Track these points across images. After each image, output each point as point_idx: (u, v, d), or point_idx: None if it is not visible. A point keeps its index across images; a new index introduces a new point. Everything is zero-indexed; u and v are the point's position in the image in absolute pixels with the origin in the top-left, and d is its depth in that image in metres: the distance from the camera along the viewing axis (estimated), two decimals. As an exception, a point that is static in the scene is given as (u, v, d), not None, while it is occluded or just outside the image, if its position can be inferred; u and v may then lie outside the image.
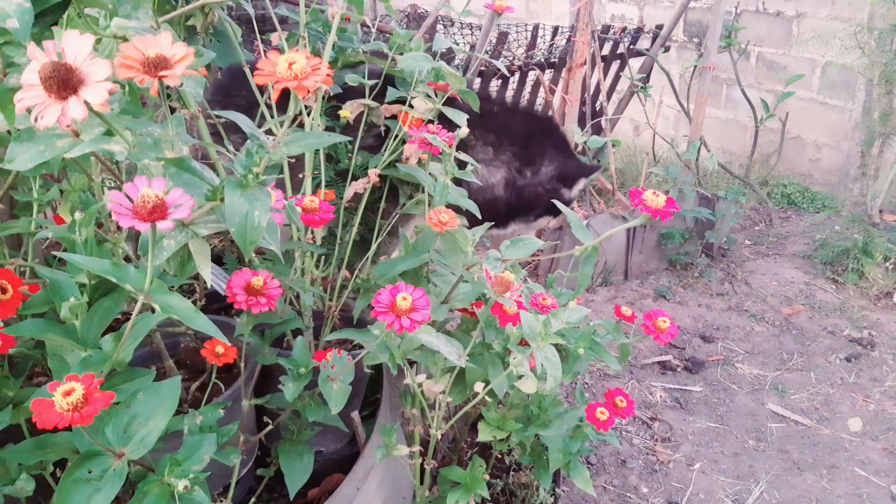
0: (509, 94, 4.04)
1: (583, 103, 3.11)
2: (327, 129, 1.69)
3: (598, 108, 4.24)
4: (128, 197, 0.73)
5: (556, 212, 2.18)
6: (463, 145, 2.08)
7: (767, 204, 4.03)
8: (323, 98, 1.66)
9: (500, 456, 1.98)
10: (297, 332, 1.43)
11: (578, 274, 1.18)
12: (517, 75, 3.96)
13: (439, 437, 1.33)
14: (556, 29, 4.55)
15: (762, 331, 2.93)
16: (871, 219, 3.18)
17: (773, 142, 4.35)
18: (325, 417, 1.23)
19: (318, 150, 1.63)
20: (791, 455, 2.26)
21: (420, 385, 1.26)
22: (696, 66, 3.32)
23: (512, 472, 1.96)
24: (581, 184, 2.18)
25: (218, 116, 1.45)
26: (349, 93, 1.61)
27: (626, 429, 2.37)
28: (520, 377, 1.25)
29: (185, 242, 0.85)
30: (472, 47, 3.85)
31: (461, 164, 1.53)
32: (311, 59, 0.70)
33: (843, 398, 2.54)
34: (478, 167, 1.72)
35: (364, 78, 1.61)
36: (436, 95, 1.53)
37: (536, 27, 4.24)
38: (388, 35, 2.83)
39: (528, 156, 2.15)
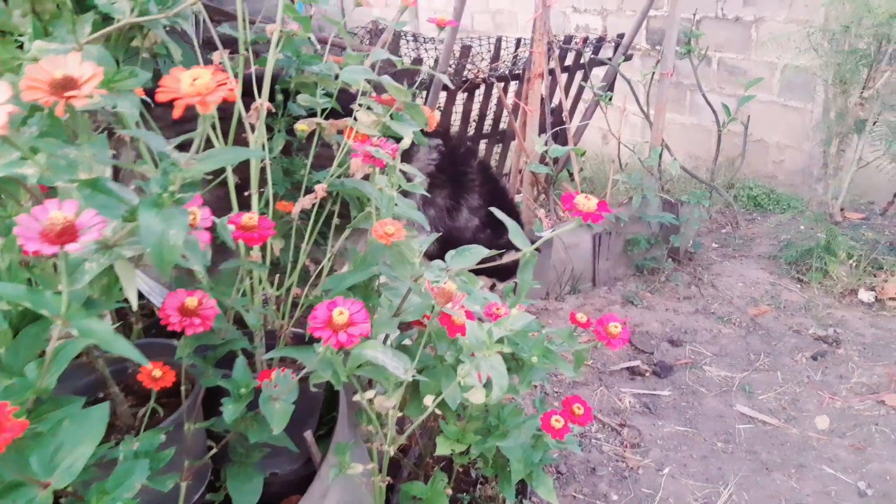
0: (476, 105, 4.07)
1: (543, 114, 3.13)
2: (287, 144, 1.68)
3: (563, 118, 4.28)
4: (37, 220, 0.71)
5: (491, 274, 2.41)
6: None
7: (733, 207, 4.07)
8: (283, 115, 1.66)
9: (465, 469, 1.96)
10: (249, 353, 1.41)
11: (518, 281, 1.17)
12: (482, 88, 3.99)
13: (391, 453, 1.32)
14: (518, 41, 4.59)
15: (729, 332, 2.95)
16: (833, 217, 3.22)
17: (737, 145, 4.40)
18: (272, 438, 1.22)
19: (275, 165, 1.62)
20: (759, 455, 2.27)
21: (370, 401, 1.25)
22: (653, 74, 3.35)
23: (479, 486, 1.94)
24: (513, 254, 2.35)
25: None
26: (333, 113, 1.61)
27: (595, 436, 2.37)
28: (469, 388, 1.23)
29: (108, 265, 0.83)
30: (437, 61, 3.86)
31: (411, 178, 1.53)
32: (218, 75, 0.69)
33: (809, 397, 2.56)
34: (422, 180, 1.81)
35: (318, 96, 1.61)
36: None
37: (499, 39, 4.27)
38: (343, 48, 2.82)
39: (485, 213, 2.33)
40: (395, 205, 1.46)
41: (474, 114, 4.13)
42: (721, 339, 2.92)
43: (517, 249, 2.44)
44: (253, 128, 1.40)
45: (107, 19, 1.46)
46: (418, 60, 4.06)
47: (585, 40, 4.40)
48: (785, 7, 4.42)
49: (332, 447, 1.40)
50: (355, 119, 1.52)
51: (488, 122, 4.21)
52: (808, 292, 3.20)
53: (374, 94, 1.59)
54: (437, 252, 2.43)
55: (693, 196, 3.17)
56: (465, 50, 4.04)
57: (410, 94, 1.55)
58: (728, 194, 4.19)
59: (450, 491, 1.71)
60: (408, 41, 4.44)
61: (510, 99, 3.69)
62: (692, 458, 2.27)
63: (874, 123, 2.98)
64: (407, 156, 2.31)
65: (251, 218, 1.16)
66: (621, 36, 4.13)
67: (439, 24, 1.59)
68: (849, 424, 2.40)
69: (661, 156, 3.18)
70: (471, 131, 4.17)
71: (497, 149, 4.34)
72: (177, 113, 0.67)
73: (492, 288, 2.60)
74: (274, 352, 1.14)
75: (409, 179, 1.52)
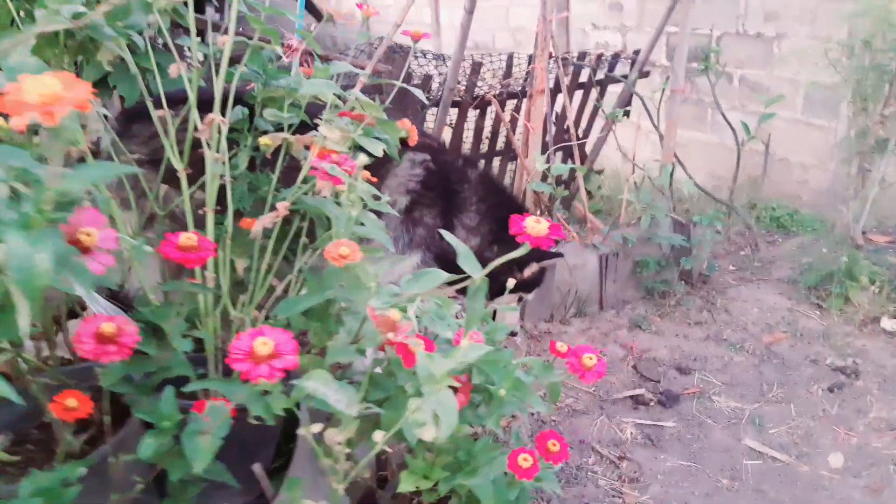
0: (488, 122, 3.99)
1: (545, 130, 3.03)
2: (252, 160, 1.62)
3: (578, 135, 4.18)
4: None
5: (514, 290, 2.28)
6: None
7: (752, 228, 3.91)
8: (250, 131, 1.60)
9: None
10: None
11: (467, 308, 1.08)
12: (494, 105, 3.91)
13: (340, 491, 1.22)
14: (530, 57, 4.51)
15: (741, 361, 2.81)
16: (855, 241, 3.06)
17: (760, 164, 4.26)
18: (209, 472, 1.14)
19: (241, 181, 1.56)
20: (767, 495, 2.13)
21: (314, 434, 1.16)
22: (663, 90, 3.24)
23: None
24: (534, 267, 2.34)
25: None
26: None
27: (592, 468, 2.25)
28: (422, 424, 1.14)
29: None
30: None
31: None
32: (72, 84, 0.62)
33: (824, 432, 2.40)
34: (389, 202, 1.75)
35: (284, 111, 1.54)
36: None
37: (511, 56, 4.20)
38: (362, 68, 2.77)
39: (488, 230, 2.28)
40: (362, 224, 1.38)
41: (487, 131, 4.06)
42: (732, 367, 2.77)
43: (538, 261, 2.37)
44: (210, 144, 1.34)
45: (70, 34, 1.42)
46: (428, 77, 4.00)
47: (600, 57, 4.31)
48: (807, 23, 4.28)
49: (287, 482, 1.31)
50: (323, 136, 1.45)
51: (502, 139, 4.13)
52: (828, 319, 3.04)
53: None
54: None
55: (706, 217, 3.04)
56: (476, 66, 3.97)
57: (381, 109, 1.48)
58: (748, 215, 4.04)
59: (418, 529, 1.62)
60: (416, 57, 4.39)
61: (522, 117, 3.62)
62: (694, 495, 2.13)
63: (897, 142, 2.84)
64: (382, 172, 2.22)
65: (189, 238, 1.09)
66: (638, 52, 4.03)
67: (414, 38, 1.52)
68: (865, 463, 2.24)
69: (672, 174, 3.06)
70: (484, 148, 4.10)
71: (511, 166, 4.25)
72: (18, 124, 0.59)
73: (519, 300, 2.52)
74: (199, 383, 1.06)
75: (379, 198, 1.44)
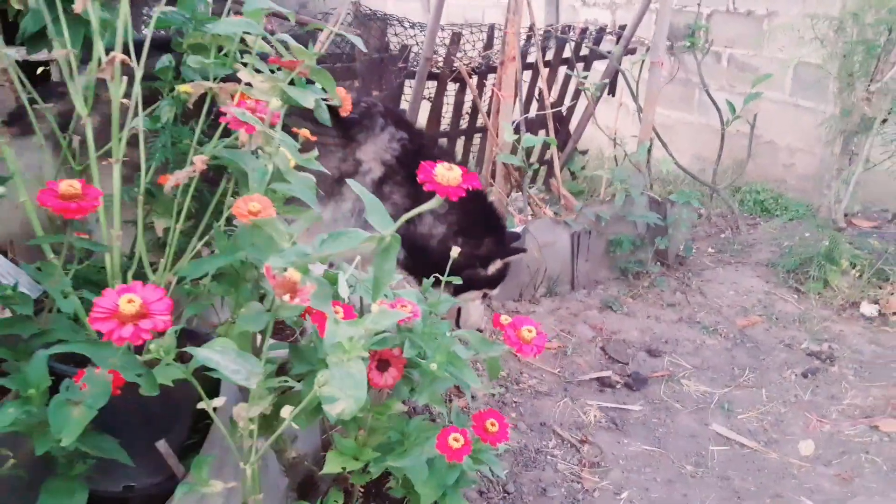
0: (467, 98, 3.85)
1: (517, 99, 2.90)
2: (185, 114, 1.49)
3: (563, 113, 4.05)
4: None
5: (476, 286, 2.30)
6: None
7: (735, 211, 3.80)
8: (176, 79, 1.47)
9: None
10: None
11: (373, 270, 0.96)
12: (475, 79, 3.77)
13: (249, 473, 1.12)
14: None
15: (713, 344, 2.71)
16: (836, 223, 2.96)
17: (746, 147, 4.14)
18: (102, 450, 1.02)
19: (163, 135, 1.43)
20: (732, 482, 2.03)
21: (215, 409, 1.05)
22: (642, 62, 3.11)
23: (405, 505, 1.73)
24: (498, 263, 2.30)
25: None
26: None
27: (551, 452, 2.15)
28: (333, 400, 1.03)
29: None
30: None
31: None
32: None
33: (795, 418, 2.31)
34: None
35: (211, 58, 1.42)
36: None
37: (492, 27, 4.05)
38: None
39: (455, 219, 2.23)
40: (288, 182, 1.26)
41: (468, 106, 3.92)
42: (704, 350, 2.68)
43: (501, 258, 2.31)
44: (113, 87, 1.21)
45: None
46: (405, 47, 3.86)
47: (584, 31, 4.17)
48: (799, 1, 4.14)
49: (194, 461, 1.20)
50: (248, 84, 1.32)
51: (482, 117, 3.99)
52: (805, 303, 2.94)
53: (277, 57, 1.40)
54: (403, 260, 2.25)
55: (682, 195, 2.92)
56: (455, 37, 3.83)
57: (313, 56, 1.36)
58: (731, 198, 3.93)
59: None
60: (391, 25, 4.23)
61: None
62: (656, 481, 2.04)
63: (884, 121, 2.72)
64: (362, 136, 2.12)
65: (72, 186, 0.97)
66: (624, 28, 3.90)
67: None
68: (836, 451, 2.15)
69: (650, 151, 2.94)
70: (464, 125, 3.96)
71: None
72: None
73: (484, 297, 2.44)
74: (63, 345, 0.94)
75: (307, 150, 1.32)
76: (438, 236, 2.22)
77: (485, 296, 2.42)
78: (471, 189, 2.33)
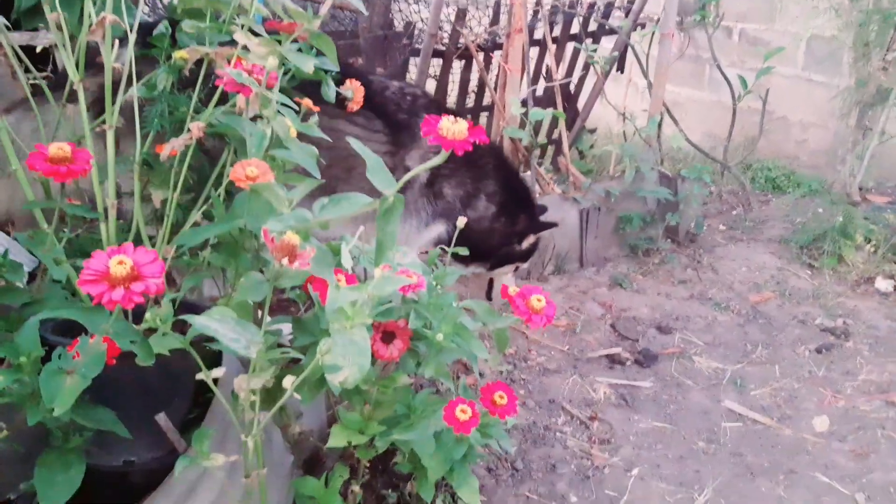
0: (474, 75, 3.79)
1: (524, 72, 2.85)
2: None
3: (570, 91, 3.99)
4: None
5: (511, 261, 2.35)
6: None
7: (746, 187, 3.74)
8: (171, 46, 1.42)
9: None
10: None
11: (378, 230, 0.92)
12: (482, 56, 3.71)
13: (250, 444, 1.09)
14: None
15: (725, 320, 2.67)
16: (851, 197, 2.90)
17: (758, 123, 4.07)
18: (99, 422, 1.00)
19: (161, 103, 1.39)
20: (745, 458, 2.00)
21: (216, 382, 1.02)
22: (653, 34, 3.04)
23: (412, 481, 1.70)
24: (531, 238, 2.34)
25: None
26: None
27: (561, 429, 2.12)
28: (337, 369, 0.99)
29: None
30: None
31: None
32: None
33: (809, 394, 2.27)
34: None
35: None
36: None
37: (498, 2, 3.98)
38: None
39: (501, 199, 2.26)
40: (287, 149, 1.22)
41: (474, 84, 3.86)
42: (716, 327, 2.63)
43: (534, 232, 2.31)
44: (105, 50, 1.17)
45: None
46: (409, 24, 3.80)
47: (592, 5, 4.09)
48: (812, -29, 4.05)
49: (195, 434, 1.18)
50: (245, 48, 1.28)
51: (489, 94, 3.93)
52: (819, 279, 2.89)
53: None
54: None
55: (693, 170, 2.87)
56: (461, 13, 3.76)
57: (312, 20, 1.31)
58: (743, 174, 3.87)
59: (357, 489, 1.49)
60: (406, 3, 4.17)
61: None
62: (667, 458, 2.01)
63: (900, 92, 2.66)
64: (406, 139, 2.09)
65: (61, 148, 0.94)
66: (632, 1, 3.82)
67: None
68: (851, 427, 2.11)
69: (660, 125, 2.88)
70: (470, 103, 3.91)
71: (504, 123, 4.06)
72: None
73: (516, 270, 2.47)
74: (53, 310, 0.90)
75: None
76: (489, 217, 2.26)
77: (516, 269, 2.45)
78: (503, 165, 2.34)
